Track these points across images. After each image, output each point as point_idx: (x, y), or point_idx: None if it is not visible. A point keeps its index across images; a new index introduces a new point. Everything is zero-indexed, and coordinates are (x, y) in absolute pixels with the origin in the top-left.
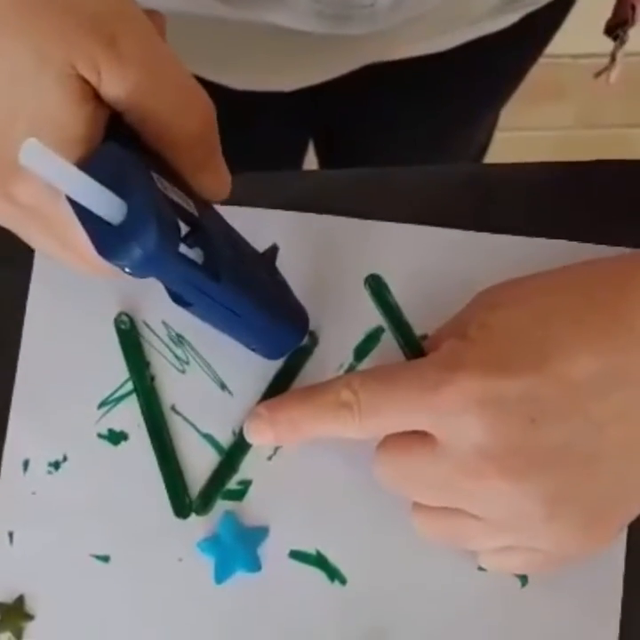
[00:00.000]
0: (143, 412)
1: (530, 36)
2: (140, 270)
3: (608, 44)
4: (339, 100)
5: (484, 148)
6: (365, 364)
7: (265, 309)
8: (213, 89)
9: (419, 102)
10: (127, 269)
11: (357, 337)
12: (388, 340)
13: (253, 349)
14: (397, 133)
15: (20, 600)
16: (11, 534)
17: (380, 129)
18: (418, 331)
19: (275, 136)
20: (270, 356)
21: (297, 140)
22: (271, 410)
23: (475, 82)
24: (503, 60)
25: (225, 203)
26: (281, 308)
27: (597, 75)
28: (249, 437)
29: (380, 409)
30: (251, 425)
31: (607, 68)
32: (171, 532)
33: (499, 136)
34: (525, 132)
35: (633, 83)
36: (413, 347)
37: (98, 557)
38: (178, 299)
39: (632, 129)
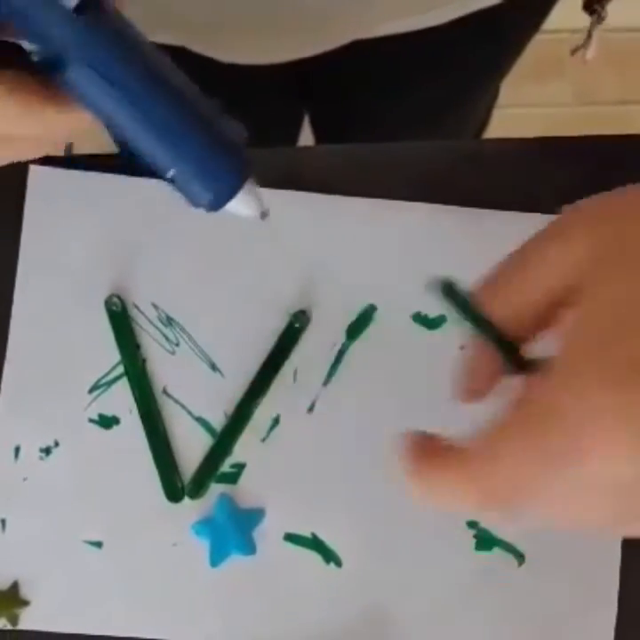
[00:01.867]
0: (135, 396)
1: (529, 8)
2: None
3: (608, 20)
4: (332, 77)
5: (483, 124)
6: (358, 344)
7: (171, 108)
8: (205, 65)
9: (415, 77)
10: None
11: (350, 316)
12: (381, 319)
13: (171, 181)
14: (394, 109)
15: (15, 586)
16: (3, 521)
17: (377, 105)
18: (415, 308)
19: (269, 113)
20: (196, 195)
21: (291, 118)
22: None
23: (473, 55)
24: (501, 32)
25: None
26: (202, 120)
27: (574, 52)
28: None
29: None
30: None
31: (583, 46)
32: (165, 517)
33: (497, 113)
34: (523, 109)
35: (631, 59)
36: (507, 347)
37: (91, 543)
38: (49, 63)
39: (629, 106)
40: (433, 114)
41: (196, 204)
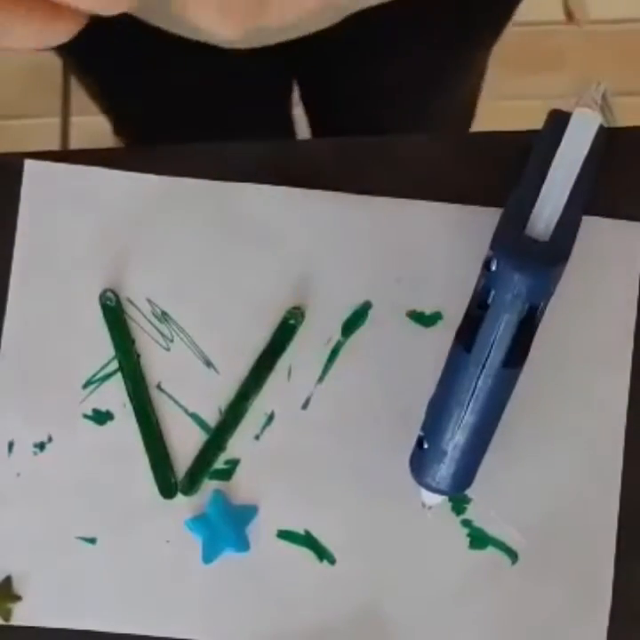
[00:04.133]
0: (129, 392)
1: None
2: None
3: (607, 10)
4: (321, 50)
5: (473, 106)
6: (353, 340)
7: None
8: (199, 53)
9: (404, 43)
10: None
11: (344, 312)
12: (376, 316)
13: (421, 440)
14: (384, 78)
15: (8, 581)
16: None
17: (363, 74)
18: (411, 305)
19: (257, 86)
20: (434, 470)
21: (280, 91)
22: None
23: (461, 19)
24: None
25: (219, 178)
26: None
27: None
28: None
29: None
30: None
31: None
32: (158, 513)
33: (496, 105)
34: (522, 101)
35: (631, 51)
36: None
37: (84, 539)
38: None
39: (628, 97)
40: (420, 84)
41: (421, 468)
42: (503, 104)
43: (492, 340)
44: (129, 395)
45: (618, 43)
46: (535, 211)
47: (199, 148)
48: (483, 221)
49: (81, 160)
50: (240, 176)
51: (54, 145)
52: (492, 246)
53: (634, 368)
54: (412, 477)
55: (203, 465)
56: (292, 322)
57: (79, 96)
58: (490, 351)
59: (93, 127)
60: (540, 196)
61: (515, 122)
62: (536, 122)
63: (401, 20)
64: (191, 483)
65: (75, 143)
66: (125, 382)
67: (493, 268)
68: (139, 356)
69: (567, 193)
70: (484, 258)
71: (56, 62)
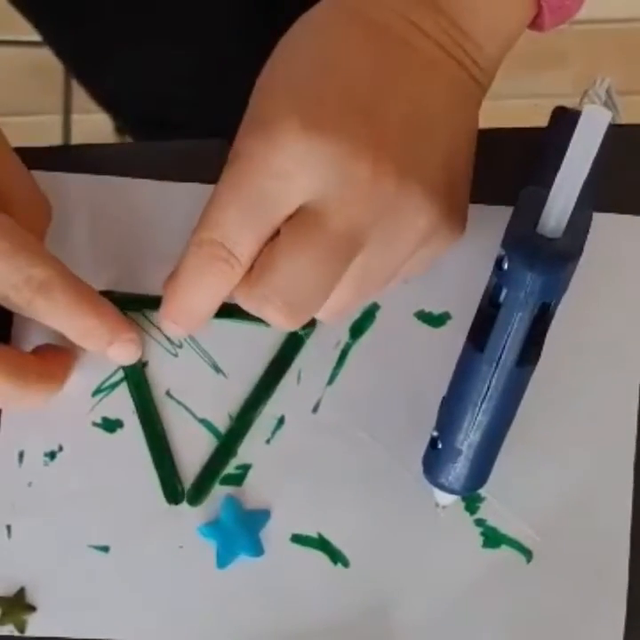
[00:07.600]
0: (134, 400)
1: None
2: None
3: (606, 10)
4: None
5: None
6: (361, 343)
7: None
8: None
9: None
10: None
11: (353, 315)
12: (384, 317)
13: (436, 441)
14: None
15: (22, 592)
16: (8, 527)
17: None
18: (419, 305)
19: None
20: (445, 468)
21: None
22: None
23: None
24: None
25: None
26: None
27: None
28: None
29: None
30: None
31: None
32: (171, 520)
33: (497, 104)
34: (523, 100)
35: (632, 49)
36: None
37: (97, 548)
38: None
39: (631, 96)
40: None
41: (433, 466)
42: (502, 103)
43: (505, 338)
44: (134, 403)
45: (620, 42)
46: (546, 208)
47: (203, 145)
48: (491, 220)
49: (82, 156)
50: None
51: (56, 142)
52: (504, 245)
53: None
54: (425, 478)
55: (212, 472)
56: (301, 333)
57: (80, 94)
58: (503, 350)
59: (94, 125)
60: (550, 194)
61: (517, 121)
62: (540, 121)
63: None
64: (198, 492)
65: (76, 140)
66: (130, 390)
67: (505, 266)
68: (144, 363)
69: (578, 190)
70: (496, 256)
71: (58, 61)
